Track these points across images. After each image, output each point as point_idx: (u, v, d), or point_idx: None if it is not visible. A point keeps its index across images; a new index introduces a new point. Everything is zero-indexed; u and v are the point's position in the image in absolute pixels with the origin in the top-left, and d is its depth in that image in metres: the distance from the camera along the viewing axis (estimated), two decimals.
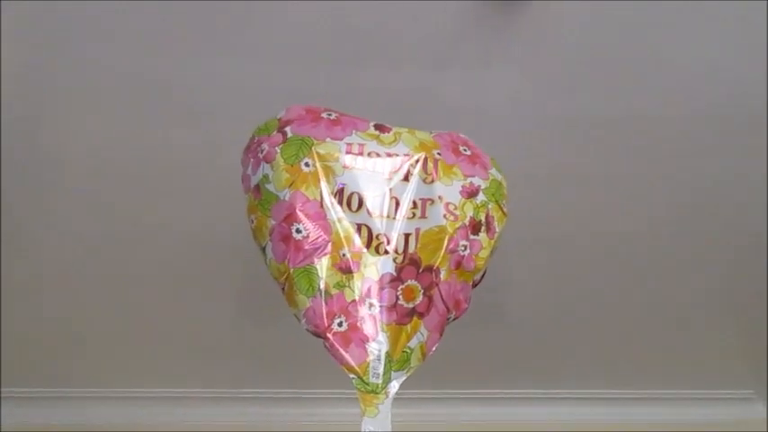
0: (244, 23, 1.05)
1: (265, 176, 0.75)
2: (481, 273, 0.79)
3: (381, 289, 0.73)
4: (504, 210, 0.81)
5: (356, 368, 0.70)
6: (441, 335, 0.76)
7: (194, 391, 1.60)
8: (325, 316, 0.71)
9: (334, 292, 0.72)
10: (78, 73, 1.10)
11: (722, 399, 1.93)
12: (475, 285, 0.79)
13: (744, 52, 1.16)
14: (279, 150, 0.76)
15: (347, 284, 0.72)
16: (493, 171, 0.82)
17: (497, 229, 0.80)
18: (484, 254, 0.78)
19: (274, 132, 0.77)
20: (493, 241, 0.79)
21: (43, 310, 1.44)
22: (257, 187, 0.76)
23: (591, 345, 1.68)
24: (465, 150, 0.82)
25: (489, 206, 0.79)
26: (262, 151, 0.77)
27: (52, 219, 1.29)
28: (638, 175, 1.32)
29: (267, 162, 0.76)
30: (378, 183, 0.76)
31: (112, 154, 1.21)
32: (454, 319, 0.77)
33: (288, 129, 0.77)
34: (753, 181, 1.35)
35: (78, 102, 1.14)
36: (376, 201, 0.75)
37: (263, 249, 0.76)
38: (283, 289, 0.74)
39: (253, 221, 0.77)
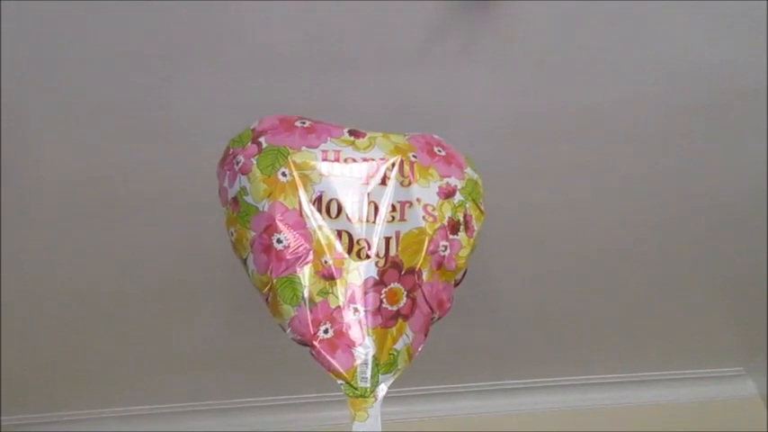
0: (216, 35, 1.05)
1: (243, 189, 0.76)
2: (462, 272, 0.80)
3: (365, 293, 0.73)
4: (482, 208, 0.82)
5: (344, 374, 0.71)
6: (426, 335, 0.76)
7: (186, 404, 1.60)
8: (310, 324, 0.71)
9: (318, 299, 0.72)
10: (47, 91, 1.08)
11: (712, 377, 1.96)
12: (456, 284, 0.80)
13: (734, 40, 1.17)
14: (255, 161, 0.76)
15: (331, 291, 0.73)
16: (468, 170, 0.83)
17: (476, 228, 0.80)
18: (464, 253, 0.79)
19: (249, 143, 0.78)
20: (472, 240, 0.80)
21: (20, 335, 1.43)
22: (235, 200, 0.76)
23: (579, 332, 1.70)
24: (440, 151, 0.83)
25: (467, 205, 0.80)
26: (237, 163, 0.77)
27: (30, 240, 1.28)
28: (621, 166, 1.33)
29: (243, 174, 0.76)
30: (355, 188, 0.76)
31: (85, 173, 1.19)
32: (438, 319, 0.78)
33: (262, 139, 0.77)
34: (741, 166, 1.36)
35: (47, 120, 1.12)
36: (355, 206, 0.76)
37: (245, 261, 0.76)
38: (267, 300, 0.74)
39: (233, 234, 0.77)
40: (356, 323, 0.72)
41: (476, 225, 0.80)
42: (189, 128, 1.15)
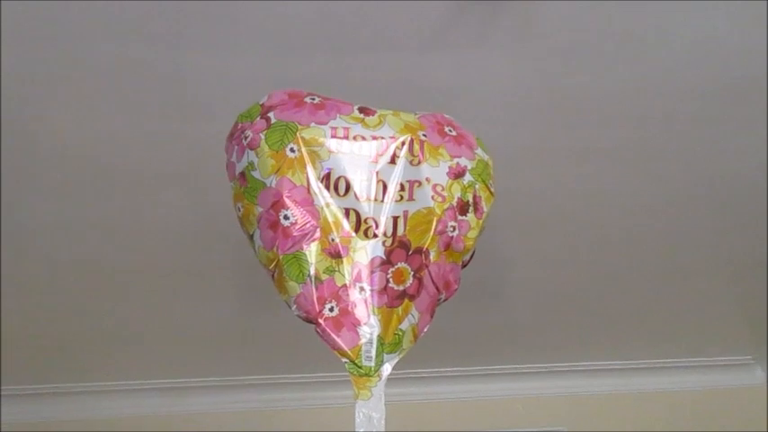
0: (231, 16, 1.03)
1: (251, 164, 0.75)
2: (470, 253, 0.79)
3: (371, 273, 0.73)
4: (492, 189, 0.81)
5: (348, 352, 0.70)
6: (432, 316, 0.76)
7: (198, 380, 1.61)
8: (316, 302, 0.71)
9: (324, 277, 0.72)
10: (69, 70, 1.08)
11: (721, 365, 1.95)
12: (464, 266, 0.79)
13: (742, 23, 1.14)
14: (263, 137, 0.75)
15: (337, 269, 0.72)
16: (479, 151, 0.82)
17: (485, 209, 0.79)
18: (472, 234, 0.78)
19: (257, 118, 0.77)
20: (481, 221, 0.79)
21: (42, 308, 1.44)
22: (243, 174, 0.76)
23: (592, 318, 1.69)
24: (450, 131, 0.81)
25: (476, 186, 0.79)
26: (246, 138, 0.76)
27: (49, 216, 1.29)
28: (636, 151, 1.31)
29: (252, 149, 0.75)
30: (364, 166, 0.75)
31: (105, 149, 1.20)
32: (444, 300, 0.77)
33: (271, 114, 0.76)
34: (755, 150, 1.34)
35: (70, 97, 1.12)
36: (363, 184, 0.75)
37: (251, 237, 0.76)
38: (273, 276, 0.74)
39: (240, 209, 0.76)
40: (362, 302, 0.72)
41: (485, 206, 0.79)
42: (202, 102, 1.14)
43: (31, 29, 1.01)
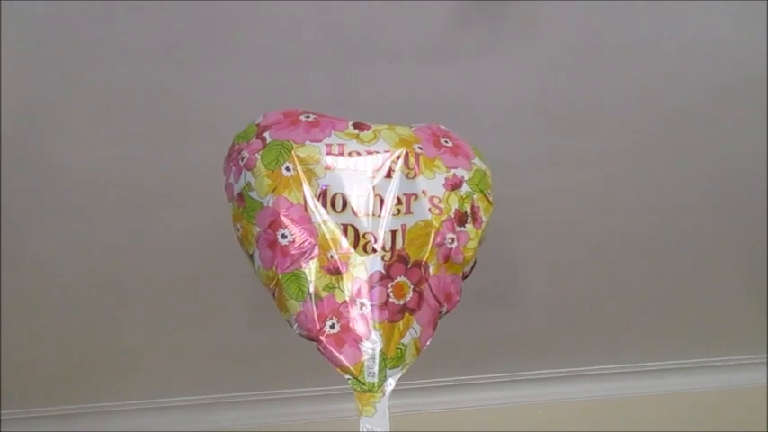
0: (236, 33, 1.04)
1: (248, 184, 0.75)
2: (471, 264, 0.79)
3: (371, 288, 0.73)
4: (490, 199, 0.81)
5: (351, 369, 0.70)
6: (434, 329, 0.76)
7: (213, 396, 1.62)
8: (316, 319, 0.71)
9: (324, 294, 0.72)
10: (77, 88, 1.10)
11: (737, 365, 1.92)
12: (465, 277, 0.79)
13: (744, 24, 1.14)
14: (259, 157, 0.76)
15: (337, 286, 0.73)
16: (476, 161, 0.82)
17: (484, 219, 0.79)
18: (472, 245, 0.77)
19: (253, 139, 0.77)
20: (480, 231, 0.78)
21: (51, 328, 1.46)
22: (240, 195, 0.76)
23: (605, 321, 1.67)
24: (446, 142, 0.81)
25: (474, 196, 0.79)
26: (242, 159, 0.77)
27: (59, 234, 1.30)
28: (642, 153, 1.31)
29: (248, 169, 0.76)
30: (361, 182, 0.76)
31: (113, 167, 1.21)
32: (447, 312, 0.77)
33: (267, 134, 0.77)
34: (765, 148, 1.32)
35: (77, 116, 1.14)
36: (360, 200, 0.75)
37: (251, 257, 0.76)
38: (274, 295, 0.74)
39: (239, 230, 0.77)
40: (362, 318, 0.72)
41: (484, 216, 0.79)
42: (212, 122, 1.15)
43: (40, 52, 1.03)
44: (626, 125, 1.24)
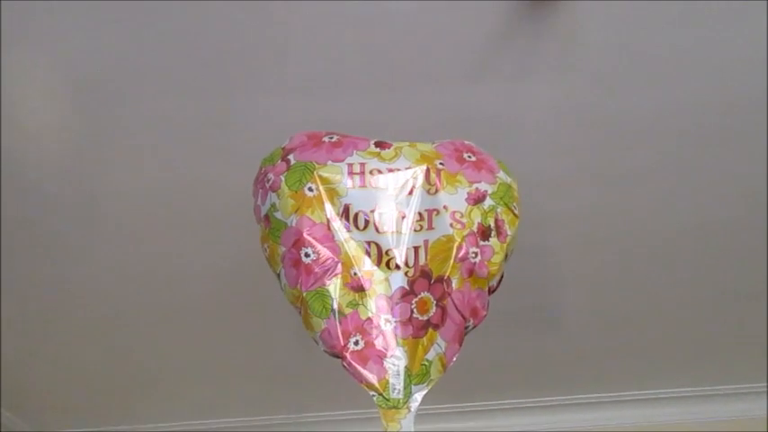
0: (279, 61, 1.07)
1: (273, 205, 0.77)
2: (497, 278, 0.78)
3: (395, 304, 0.73)
4: (516, 212, 0.80)
5: (376, 385, 0.70)
6: (460, 344, 0.75)
7: (257, 419, 1.64)
8: (340, 336, 0.72)
9: (347, 311, 0.73)
10: (124, 117, 1.15)
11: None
12: (492, 291, 0.78)
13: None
14: (283, 178, 0.78)
15: (360, 302, 0.73)
16: (501, 174, 0.81)
17: (509, 233, 0.78)
18: (497, 259, 0.77)
19: (278, 161, 0.80)
20: (505, 245, 0.77)
21: (90, 352, 1.52)
22: (267, 217, 0.78)
23: (643, 342, 1.62)
24: (469, 157, 0.81)
25: (498, 210, 0.78)
26: (268, 181, 0.79)
27: (109, 259, 1.37)
28: (684, 169, 1.27)
29: (273, 191, 0.78)
30: (383, 199, 0.76)
31: (157, 193, 1.26)
32: (474, 327, 0.76)
33: (291, 156, 0.79)
34: None
35: (123, 144, 1.19)
36: (382, 217, 0.76)
37: (278, 276, 0.78)
38: (300, 313, 0.76)
39: (266, 250, 0.79)
40: (387, 334, 0.72)
41: (509, 230, 0.78)
42: (254, 147, 1.18)
43: (91, 85, 1.09)
44: (667, 141, 1.22)
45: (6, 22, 0.96)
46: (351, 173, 0.77)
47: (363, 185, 0.77)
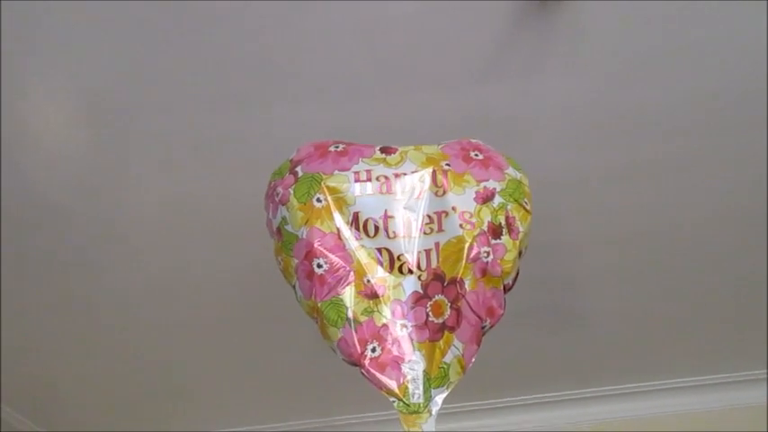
0: (290, 71, 1.08)
1: (283, 219, 0.78)
2: (512, 276, 0.77)
3: (410, 308, 0.73)
4: (527, 207, 0.79)
5: (396, 391, 0.70)
6: (478, 345, 0.74)
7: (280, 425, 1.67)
8: (357, 344, 0.72)
9: (363, 318, 0.73)
10: (144, 132, 1.17)
11: None
12: (507, 290, 0.77)
13: None
14: (292, 191, 0.78)
15: (375, 309, 0.73)
16: (510, 171, 0.80)
17: (521, 229, 0.77)
18: (510, 257, 0.76)
19: (287, 174, 0.80)
20: (518, 242, 0.76)
21: (117, 364, 1.56)
22: (278, 230, 0.79)
23: (669, 336, 1.59)
24: (477, 155, 0.81)
25: (508, 207, 0.77)
26: (277, 195, 0.80)
27: (135, 271, 1.40)
28: (704, 164, 1.25)
29: (283, 204, 0.78)
30: (391, 204, 0.76)
31: (178, 206, 1.29)
32: (491, 327, 0.76)
33: (298, 168, 0.80)
34: None
35: (144, 158, 1.21)
36: (392, 222, 0.76)
37: (294, 288, 0.78)
38: (317, 324, 0.76)
39: (280, 263, 0.80)
40: (403, 339, 0.72)
41: (521, 226, 0.77)
42: (270, 158, 1.19)
43: (109, 102, 1.12)
44: (681, 136, 1.20)
45: (21, 39, 0.99)
46: (358, 180, 0.77)
47: (371, 192, 0.77)
